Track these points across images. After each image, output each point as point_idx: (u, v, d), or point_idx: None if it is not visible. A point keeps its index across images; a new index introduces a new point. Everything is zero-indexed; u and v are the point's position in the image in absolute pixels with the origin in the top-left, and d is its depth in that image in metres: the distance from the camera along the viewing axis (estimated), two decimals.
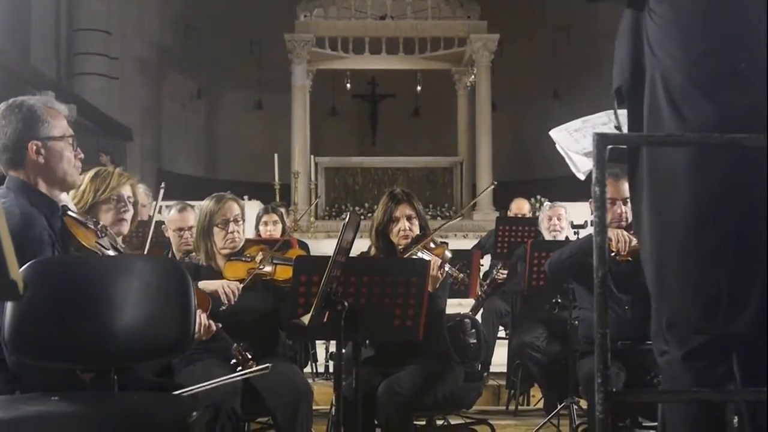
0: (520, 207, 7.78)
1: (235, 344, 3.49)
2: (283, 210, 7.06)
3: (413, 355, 3.82)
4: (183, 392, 2.81)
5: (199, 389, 2.87)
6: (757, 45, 2.02)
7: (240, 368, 3.45)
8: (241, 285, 3.71)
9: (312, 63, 15.47)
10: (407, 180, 14.99)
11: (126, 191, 3.36)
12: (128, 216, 3.35)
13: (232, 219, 3.85)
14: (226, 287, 3.63)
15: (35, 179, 2.73)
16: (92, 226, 3.02)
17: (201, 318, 3.24)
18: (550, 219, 5.96)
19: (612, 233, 4.03)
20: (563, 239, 5.75)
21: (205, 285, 3.64)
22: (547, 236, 5.93)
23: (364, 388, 3.48)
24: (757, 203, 1.97)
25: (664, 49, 2.08)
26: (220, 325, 3.41)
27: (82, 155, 2.87)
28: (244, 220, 3.95)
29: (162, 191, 4.06)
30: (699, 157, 2.00)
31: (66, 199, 3.07)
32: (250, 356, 3.49)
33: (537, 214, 6.90)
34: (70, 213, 2.92)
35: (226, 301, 3.61)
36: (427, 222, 4.17)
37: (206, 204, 3.90)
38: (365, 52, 15.39)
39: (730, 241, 1.99)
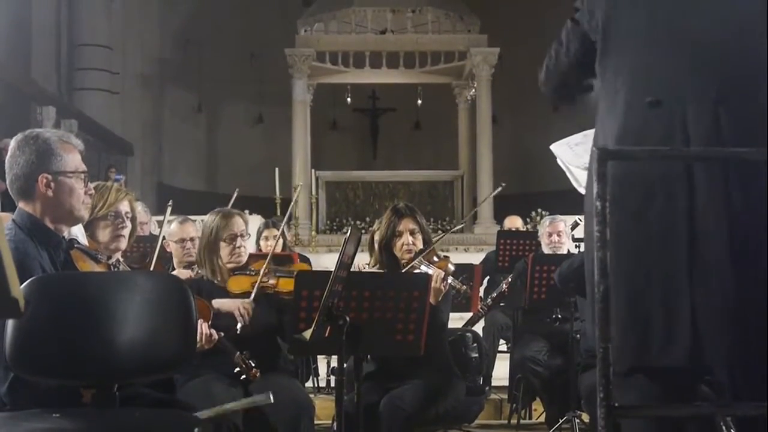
0: (513, 223, 7.85)
1: (238, 353, 3.51)
2: (284, 225, 7.04)
3: (415, 370, 3.81)
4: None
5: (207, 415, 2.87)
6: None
7: (243, 377, 3.48)
8: (252, 300, 3.71)
9: (312, 77, 15.49)
10: (408, 194, 14.95)
11: (124, 207, 3.35)
12: (126, 232, 3.34)
13: (238, 234, 3.85)
14: (241, 308, 3.62)
15: (42, 212, 2.73)
16: (104, 260, 3.02)
17: (202, 327, 3.24)
18: (550, 235, 5.86)
19: None
20: (564, 253, 5.72)
21: (221, 304, 3.64)
22: (548, 251, 5.89)
23: (365, 403, 3.47)
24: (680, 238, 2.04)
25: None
26: (222, 334, 3.41)
27: (92, 191, 2.89)
28: (249, 235, 3.96)
29: (170, 208, 4.09)
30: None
31: (77, 232, 3.07)
32: (253, 364, 3.50)
33: (537, 227, 6.88)
34: (78, 246, 2.93)
35: (241, 322, 3.61)
36: (430, 236, 4.17)
37: (212, 219, 3.89)
38: (366, 66, 15.40)
39: (653, 276, 2.07)
